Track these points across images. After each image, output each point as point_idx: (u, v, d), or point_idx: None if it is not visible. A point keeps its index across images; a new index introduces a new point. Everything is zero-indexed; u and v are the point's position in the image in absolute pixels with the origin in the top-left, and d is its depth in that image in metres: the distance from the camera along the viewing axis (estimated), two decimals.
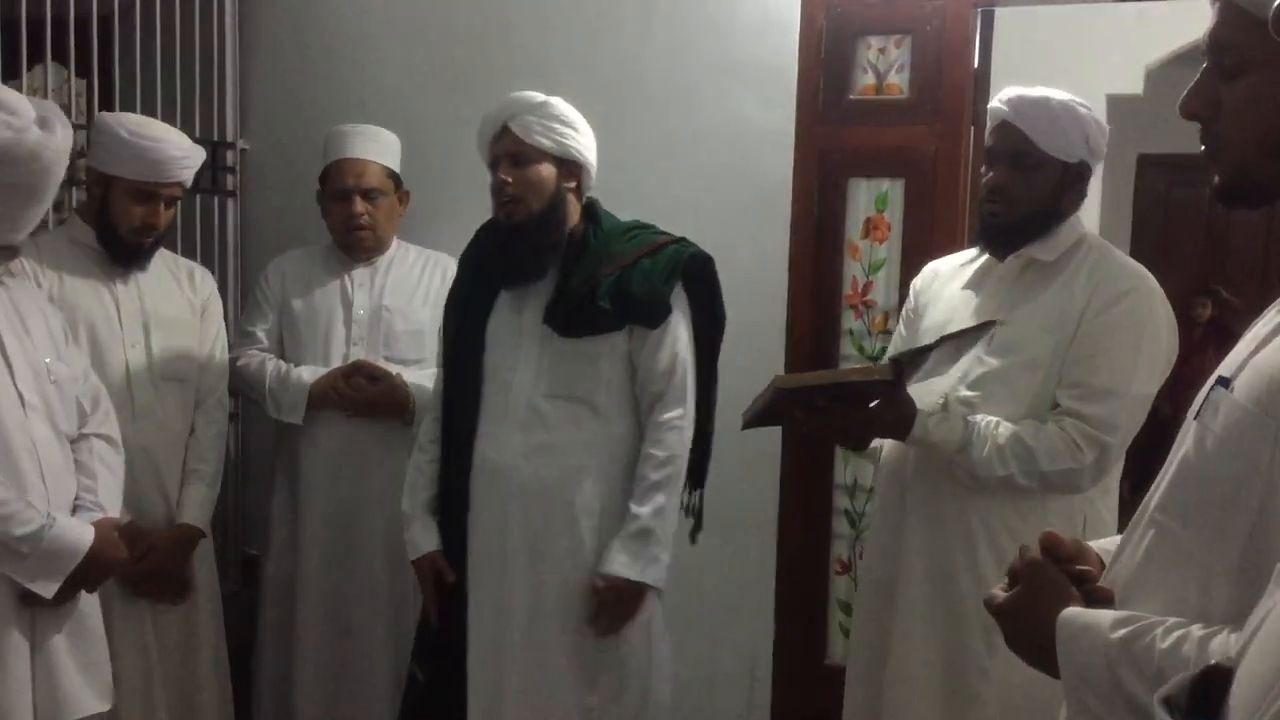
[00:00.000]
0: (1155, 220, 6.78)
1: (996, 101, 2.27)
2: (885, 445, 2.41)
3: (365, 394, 2.96)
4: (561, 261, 2.45)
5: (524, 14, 3.30)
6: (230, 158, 3.53)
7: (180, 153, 2.66)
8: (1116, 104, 3.04)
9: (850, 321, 3.11)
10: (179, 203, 2.77)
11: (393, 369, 2.99)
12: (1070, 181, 2.25)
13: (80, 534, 2.20)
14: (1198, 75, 1.14)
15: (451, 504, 2.51)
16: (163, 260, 2.84)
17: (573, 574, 2.43)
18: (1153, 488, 1.15)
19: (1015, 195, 2.23)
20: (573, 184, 2.47)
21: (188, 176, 2.71)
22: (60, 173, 2.12)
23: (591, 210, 2.51)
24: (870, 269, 3.09)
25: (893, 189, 3.06)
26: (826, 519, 3.16)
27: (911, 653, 2.30)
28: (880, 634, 2.36)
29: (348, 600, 3.01)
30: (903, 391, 2.18)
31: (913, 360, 2.11)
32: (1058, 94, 2.23)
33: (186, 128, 3.14)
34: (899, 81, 3.02)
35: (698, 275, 2.47)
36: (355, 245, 3.06)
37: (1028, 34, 3.04)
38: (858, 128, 3.04)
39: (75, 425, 2.36)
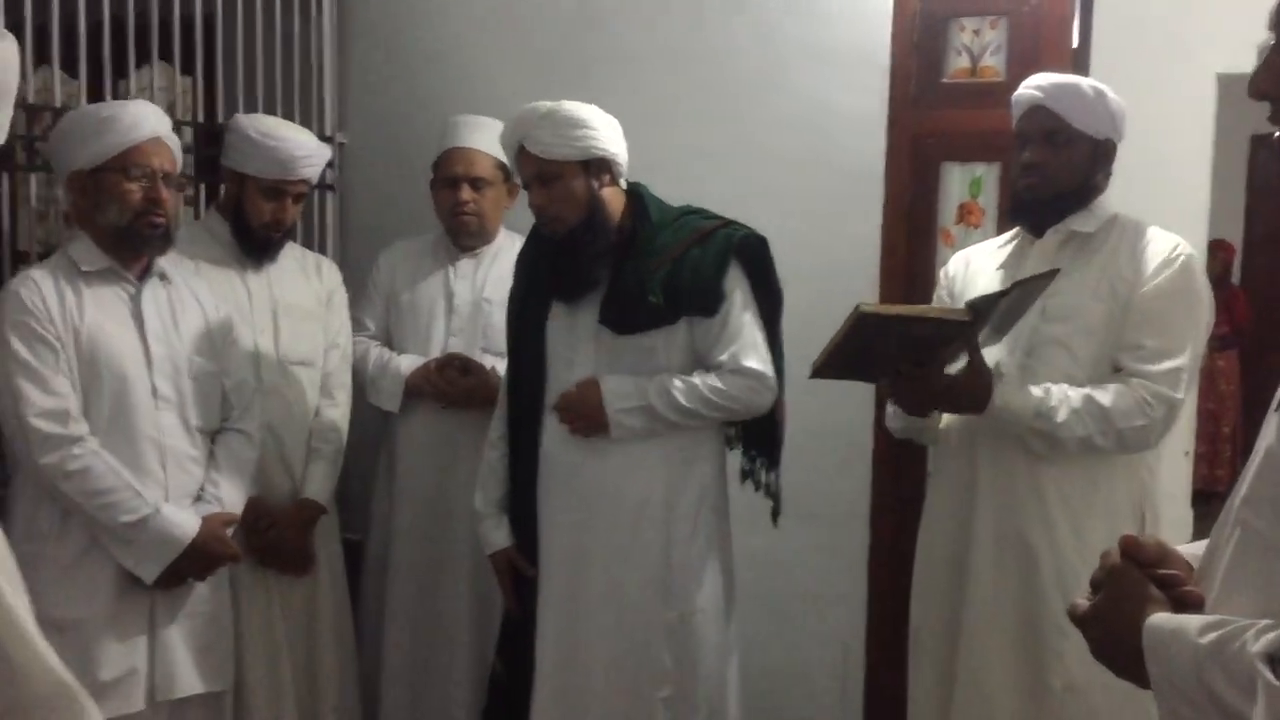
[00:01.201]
0: (1268, 201, 6.53)
1: (1026, 89, 2.39)
2: (947, 419, 2.41)
3: (458, 386, 3.00)
4: (612, 259, 2.44)
5: (615, 3, 3.32)
6: (330, 152, 3.60)
7: (305, 152, 2.78)
8: (1227, 83, 2.92)
9: None
10: (304, 200, 2.89)
11: (488, 361, 3.03)
12: (1100, 157, 2.36)
13: (185, 526, 2.31)
14: (1266, 54, 1.10)
15: (521, 500, 2.53)
16: (291, 252, 2.96)
17: (639, 569, 2.44)
18: (1236, 485, 1.11)
19: (1050, 170, 2.34)
20: (606, 179, 2.44)
21: (313, 174, 2.84)
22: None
23: (637, 200, 2.48)
24: None
25: (987, 174, 3.00)
26: (918, 508, 3.12)
27: (989, 619, 2.32)
28: (952, 608, 2.38)
29: (435, 589, 3.06)
30: (975, 338, 2.19)
31: (987, 305, 2.13)
32: (1084, 79, 2.39)
33: (305, 129, 3.22)
34: (994, 64, 2.97)
35: (752, 257, 2.45)
36: (460, 231, 3.11)
37: (1133, 11, 2.94)
38: (951, 111, 3.00)
39: (215, 419, 2.49)
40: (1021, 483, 2.31)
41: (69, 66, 2.88)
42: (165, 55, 3.17)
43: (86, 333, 2.29)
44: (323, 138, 3.58)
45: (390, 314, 3.16)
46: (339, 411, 2.97)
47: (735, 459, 2.60)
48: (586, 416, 2.41)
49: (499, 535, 2.57)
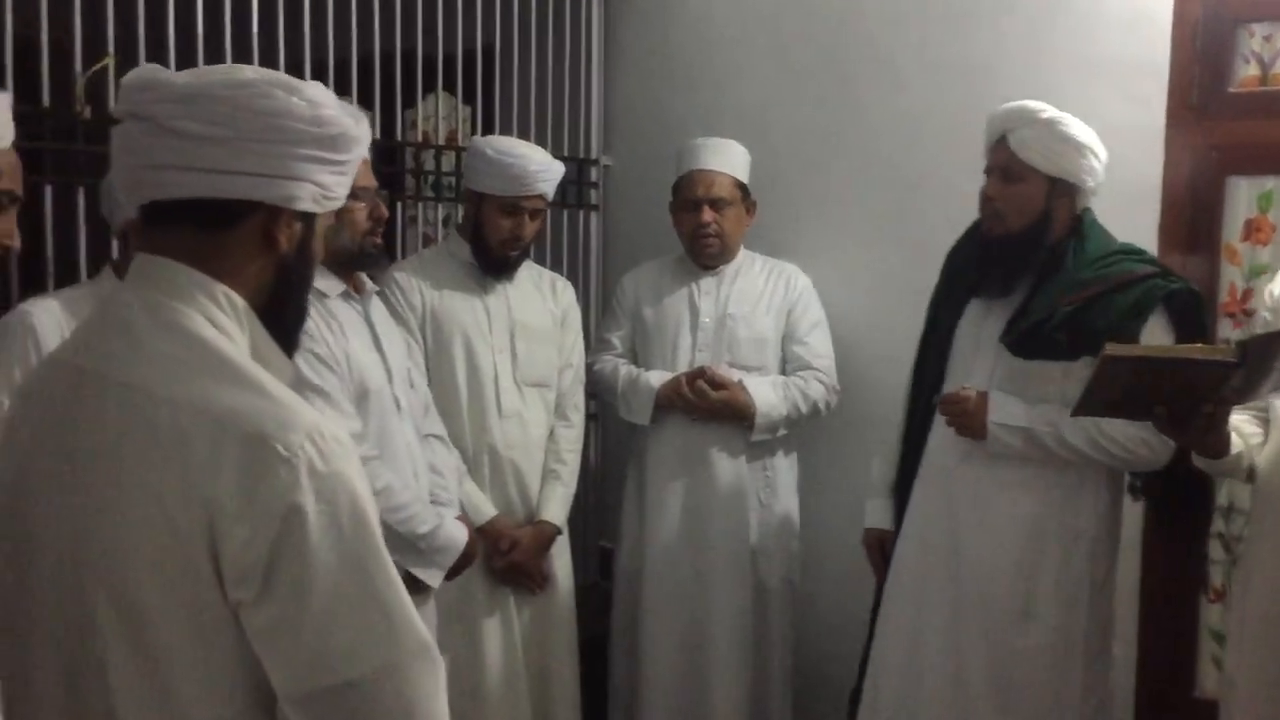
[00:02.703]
0: None
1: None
2: (1263, 460, 2.23)
3: (708, 399, 3.05)
4: (1035, 278, 2.41)
5: (875, 16, 3.30)
6: (594, 174, 3.76)
7: (538, 166, 2.84)
8: None
9: (1227, 330, 2.87)
10: (545, 216, 2.97)
11: (735, 375, 3.08)
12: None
13: (459, 532, 2.44)
14: None
15: (900, 489, 2.62)
16: (528, 272, 3.04)
17: (992, 585, 2.42)
18: None
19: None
20: (1065, 201, 2.41)
21: (548, 189, 2.90)
22: None
23: (1079, 227, 2.43)
24: (1250, 274, 2.85)
25: (1277, 188, 2.81)
26: (1200, 542, 2.94)
27: None
28: None
29: (693, 597, 3.10)
30: (1246, 378, 1.99)
31: (1263, 345, 1.95)
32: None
33: (555, 146, 3.39)
34: None
35: (1182, 311, 2.35)
36: (703, 253, 3.17)
37: None
38: (1238, 122, 2.82)
39: (422, 426, 2.59)
40: None
41: (364, 98, 3.12)
42: (449, 85, 3.39)
43: (348, 354, 2.34)
44: (588, 160, 3.74)
45: (636, 332, 3.25)
46: (574, 433, 3.05)
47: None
48: (967, 416, 2.41)
49: (876, 515, 2.71)
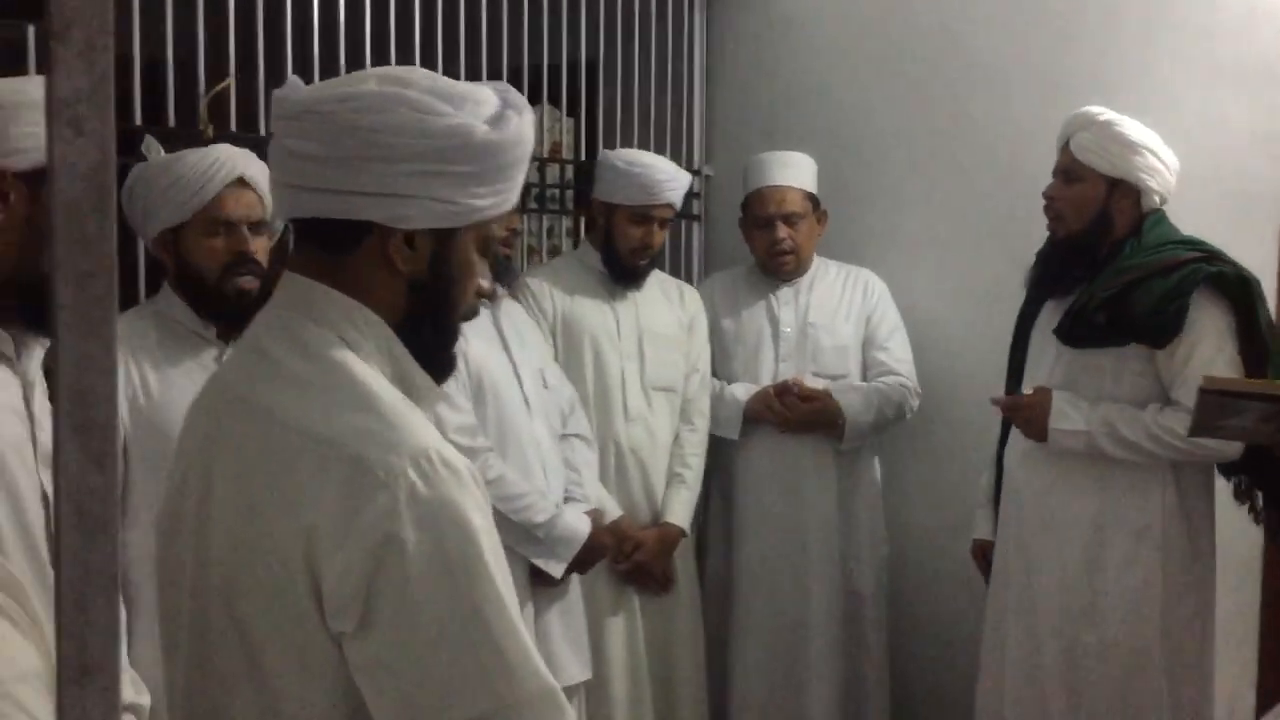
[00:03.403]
0: None
1: None
2: None
3: (798, 411, 3.06)
4: (1093, 274, 2.47)
5: (982, 23, 3.26)
6: (696, 184, 3.77)
7: (666, 176, 2.93)
8: None
9: None
10: (670, 225, 3.04)
11: (819, 384, 3.09)
12: None
13: (581, 523, 2.51)
14: None
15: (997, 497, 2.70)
16: (656, 280, 3.11)
17: (1057, 582, 2.47)
18: None
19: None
20: (1127, 203, 2.46)
21: (675, 198, 2.97)
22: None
23: (1141, 224, 2.47)
24: None
25: None
26: None
27: None
28: None
29: (786, 607, 3.11)
30: None
31: None
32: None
33: (664, 157, 3.41)
34: None
35: (1235, 295, 2.36)
36: (780, 269, 3.19)
37: None
38: None
39: (559, 425, 2.66)
40: None
41: None
42: (553, 98, 3.43)
43: (467, 353, 2.44)
44: (691, 170, 3.75)
45: (715, 344, 3.25)
46: (699, 437, 3.08)
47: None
48: (1030, 422, 2.48)
49: (980, 525, 2.76)
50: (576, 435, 2.72)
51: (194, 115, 2.51)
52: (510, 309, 2.66)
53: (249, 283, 2.10)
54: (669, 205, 2.96)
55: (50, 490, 1.61)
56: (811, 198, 3.18)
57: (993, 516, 2.71)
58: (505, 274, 2.59)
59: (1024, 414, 2.48)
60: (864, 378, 3.19)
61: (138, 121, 2.45)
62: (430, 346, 1.23)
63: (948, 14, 3.32)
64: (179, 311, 2.12)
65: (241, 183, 2.10)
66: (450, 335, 1.25)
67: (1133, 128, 2.44)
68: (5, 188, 1.54)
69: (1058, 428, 2.42)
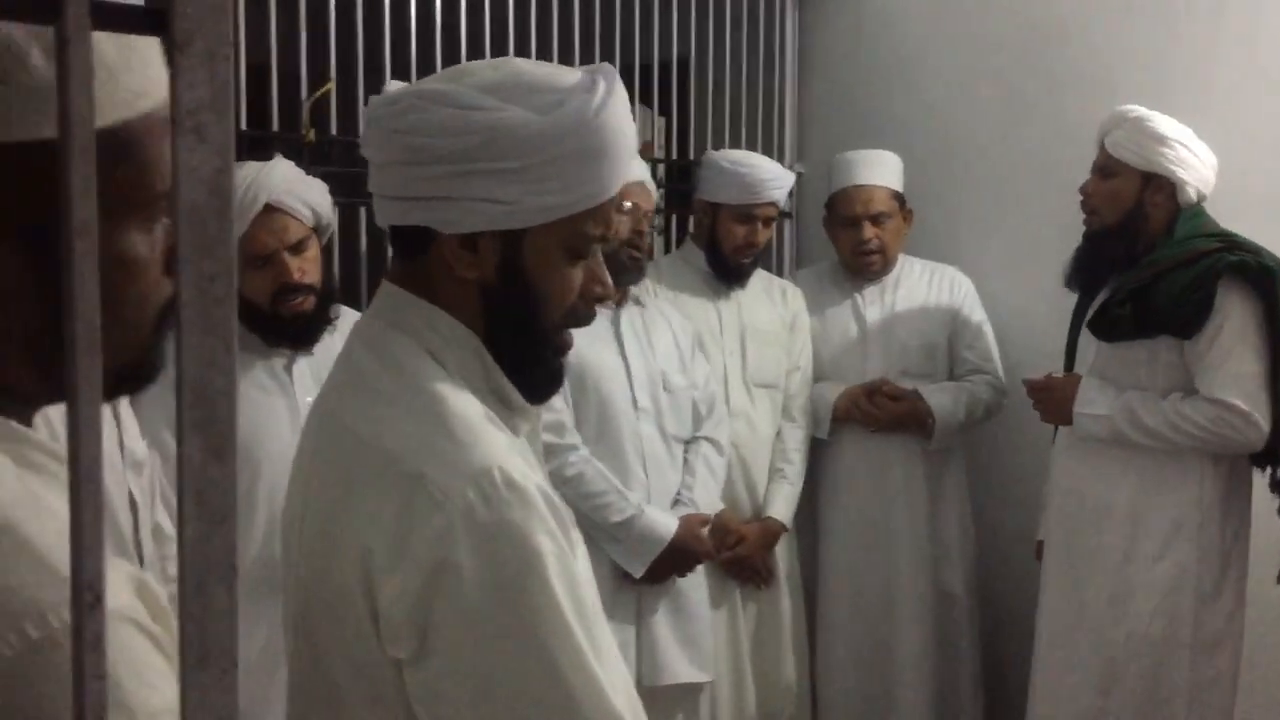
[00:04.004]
0: None
1: None
2: None
3: (888, 411, 3.04)
4: (1126, 268, 2.51)
5: (1081, 18, 3.19)
6: (792, 177, 3.76)
7: (770, 175, 2.96)
8: None
9: None
10: (774, 224, 3.07)
11: (906, 383, 3.07)
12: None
13: (665, 525, 2.52)
14: None
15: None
16: (759, 278, 3.13)
17: (1099, 575, 2.50)
18: None
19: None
20: (1161, 197, 2.48)
21: (779, 197, 3.00)
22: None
23: (1175, 219, 2.49)
24: None
25: None
26: None
27: None
28: None
29: (876, 607, 3.10)
30: None
31: None
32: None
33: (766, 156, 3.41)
34: None
35: (1258, 285, 2.35)
36: (866, 269, 3.17)
37: None
38: None
39: (688, 429, 2.70)
40: None
41: None
42: (644, 97, 3.45)
43: (574, 353, 2.51)
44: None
45: None
46: (802, 433, 3.09)
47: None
48: (1053, 403, 2.55)
49: (1044, 527, 2.76)
50: (706, 438, 2.75)
51: (296, 120, 2.58)
52: (634, 311, 2.70)
53: (301, 304, 2.12)
54: (772, 204, 2.99)
55: (137, 494, 1.67)
56: (898, 196, 3.17)
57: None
58: (627, 275, 2.60)
59: (1049, 396, 2.56)
60: (950, 376, 3.17)
61: (243, 127, 2.52)
62: (521, 357, 1.15)
63: (1040, 11, 3.26)
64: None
65: (269, 209, 2.09)
66: (541, 345, 1.16)
67: (1164, 123, 2.49)
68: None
69: (1082, 412, 2.49)
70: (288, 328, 2.12)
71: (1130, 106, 2.55)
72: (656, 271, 3.04)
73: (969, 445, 3.27)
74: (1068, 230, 3.19)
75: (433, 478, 1.01)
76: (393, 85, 1.17)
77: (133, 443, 1.72)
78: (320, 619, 1.09)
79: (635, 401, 2.58)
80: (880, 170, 3.15)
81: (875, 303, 3.20)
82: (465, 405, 1.08)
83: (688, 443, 2.72)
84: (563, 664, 1.00)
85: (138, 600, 0.70)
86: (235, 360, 0.43)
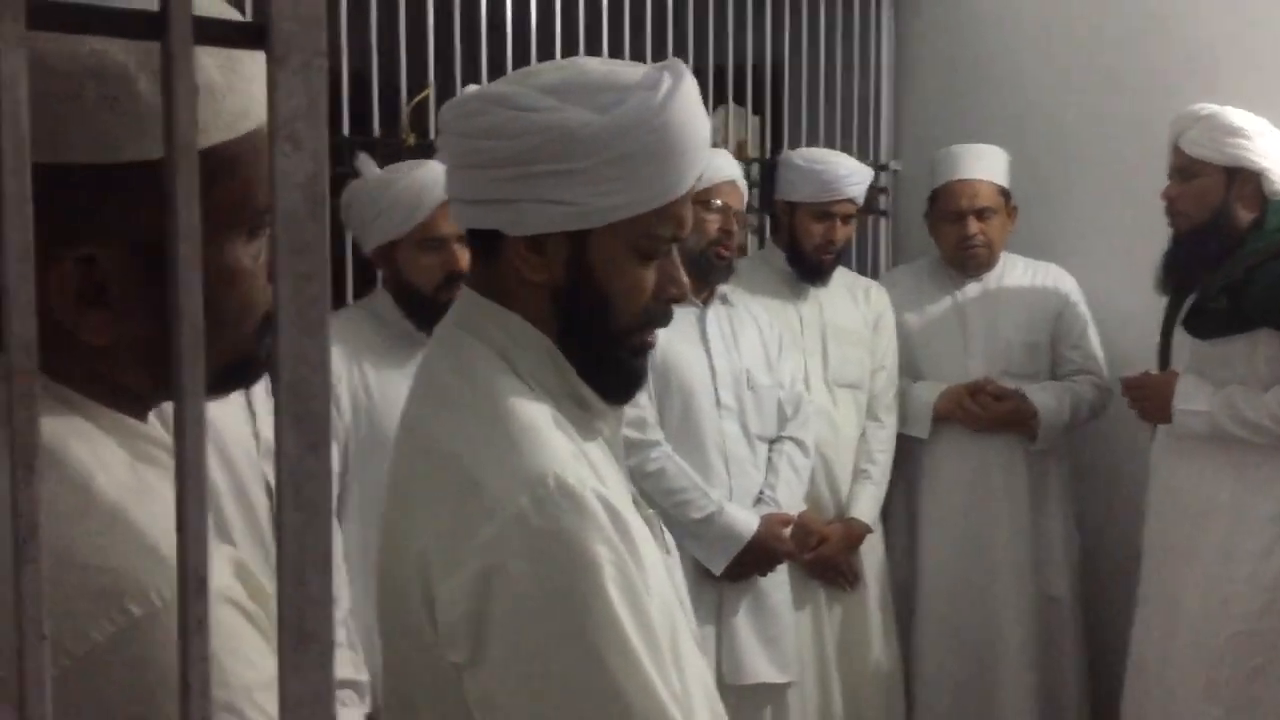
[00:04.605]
0: None
1: None
2: None
3: (991, 411, 2.99)
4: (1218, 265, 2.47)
5: (1185, 9, 3.11)
6: (884, 179, 3.72)
7: (847, 171, 2.92)
8: None
9: None
10: (854, 221, 3.03)
11: (1009, 383, 3.01)
12: None
13: (746, 523, 2.52)
14: None
15: None
16: (842, 277, 3.10)
17: (1198, 571, 2.44)
18: None
19: None
20: (1248, 189, 2.45)
21: (856, 193, 2.95)
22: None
23: (1263, 211, 2.45)
24: None
25: None
26: None
27: None
28: None
29: (974, 609, 3.05)
30: None
31: None
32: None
33: (844, 154, 3.38)
34: None
35: None
36: (969, 264, 3.11)
37: None
38: None
39: (772, 428, 2.69)
40: None
41: None
42: (739, 97, 3.45)
43: (659, 350, 2.48)
44: (878, 166, 3.70)
45: (898, 340, 3.19)
46: (885, 434, 3.05)
47: None
48: (1151, 401, 2.53)
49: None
50: (790, 438, 2.74)
51: (396, 124, 2.63)
52: (720, 309, 2.71)
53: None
54: (850, 201, 2.95)
55: (272, 479, 1.74)
56: (1003, 191, 3.11)
57: None
58: (714, 274, 2.62)
59: (1148, 394, 2.54)
60: (1053, 376, 3.11)
61: (345, 132, 2.59)
62: (595, 359, 1.13)
63: (1136, 2, 3.18)
64: (393, 313, 2.23)
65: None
66: (614, 346, 1.14)
67: (1239, 116, 2.46)
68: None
69: (1182, 408, 2.45)
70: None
71: (1200, 105, 2.53)
72: (736, 273, 2.99)
73: (1072, 447, 3.20)
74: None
75: (489, 483, 1.01)
76: (468, 89, 1.18)
77: (267, 431, 1.80)
78: (392, 624, 1.11)
79: (719, 399, 2.58)
80: (985, 164, 3.10)
81: (977, 300, 3.14)
82: (531, 410, 1.07)
83: (772, 442, 2.71)
84: (616, 671, 0.99)
85: (236, 581, 0.74)
86: (329, 357, 0.45)
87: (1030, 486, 3.07)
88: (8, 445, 0.41)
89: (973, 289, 3.16)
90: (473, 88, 1.19)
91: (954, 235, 3.10)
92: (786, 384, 2.77)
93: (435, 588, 1.02)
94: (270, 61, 0.43)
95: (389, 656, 1.15)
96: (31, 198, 0.41)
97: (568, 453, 1.05)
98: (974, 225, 3.06)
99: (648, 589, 1.04)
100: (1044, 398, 3.00)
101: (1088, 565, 3.20)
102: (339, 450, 2.12)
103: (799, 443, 2.74)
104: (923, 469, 3.14)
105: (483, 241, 1.13)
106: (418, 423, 1.14)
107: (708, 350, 2.61)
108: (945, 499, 3.09)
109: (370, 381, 2.16)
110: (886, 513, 3.23)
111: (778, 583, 2.64)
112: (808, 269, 2.99)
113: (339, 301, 2.50)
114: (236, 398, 1.76)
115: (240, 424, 1.78)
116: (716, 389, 2.58)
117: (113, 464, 0.73)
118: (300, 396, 0.44)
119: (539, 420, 1.07)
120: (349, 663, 1.94)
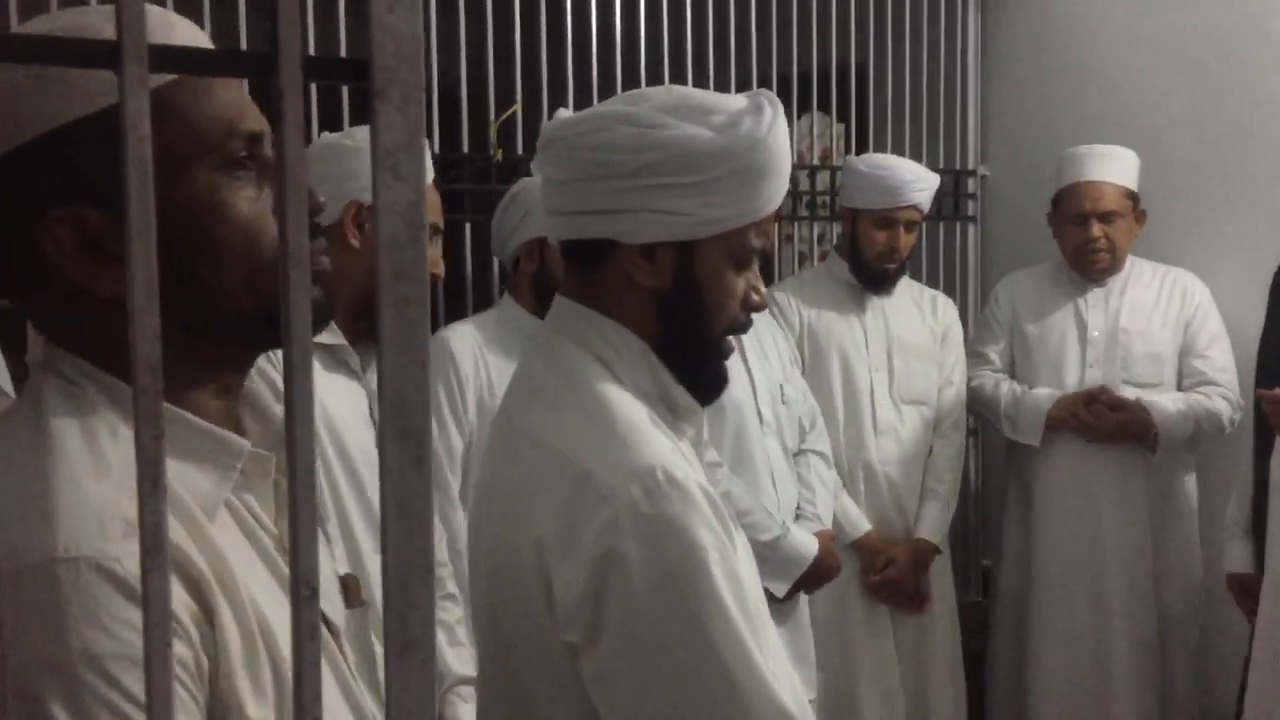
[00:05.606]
0: None
1: None
2: None
3: (1107, 422, 2.91)
4: None
5: (1270, 2, 3.02)
6: (971, 185, 3.68)
7: (911, 177, 2.84)
8: None
9: None
10: (920, 229, 2.97)
11: (1129, 392, 2.93)
12: None
13: (808, 545, 2.47)
14: None
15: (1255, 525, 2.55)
16: (908, 289, 3.04)
17: None
18: None
19: None
20: None
21: (921, 200, 2.87)
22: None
23: None
24: None
25: None
26: None
27: None
28: None
29: (1088, 621, 2.98)
30: None
31: None
32: None
33: (930, 159, 3.35)
34: None
35: None
36: (1091, 268, 3.02)
37: None
38: None
39: (796, 441, 2.64)
40: None
41: None
42: (823, 104, 3.44)
43: None
44: (965, 172, 3.67)
45: (1015, 346, 3.14)
46: (953, 450, 3.00)
47: None
48: None
49: (1236, 556, 2.63)
50: (814, 451, 2.66)
51: (485, 141, 2.68)
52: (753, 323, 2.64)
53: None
54: (914, 207, 2.86)
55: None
56: (1131, 195, 2.99)
57: (1250, 545, 2.51)
58: None
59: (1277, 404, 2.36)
60: (1180, 387, 2.99)
61: (435, 150, 2.64)
62: (689, 362, 1.23)
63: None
64: (522, 320, 2.35)
65: None
66: (708, 349, 1.24)
67: None
68: (362, 219, 1.77)
69: None
70: None
71: None
72: (799, 284, 2.99)
73: (1200, 460, 3.07)
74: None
75: (600, 475, 1.09)
76: (563, 113, 1.27)
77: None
78: (505, 613, 1.17)
79: (760, 415, 2.49)
80: (1112, 165, 2.98)
81: (1099, 306, 3.05)
82: (631, 409, 1.16)
83: (796, 455, 2.62)
84: (724, 648, 1.07)
85: (126, 541, 0.77)
86: (429, 375, 0.47)
87: (1150, 499, 2.97)
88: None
89: (1095, 295, 3.06)
90: (565, 111, 1.27)
91: (1076, 238, 3.00)
92: (800, 396, 2.68)
93: (554, 571, 1.09)
94: (372, 96, 0.46)
95: (494, 640, 1.21)
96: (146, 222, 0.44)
97: (668, 448, 1.14)
98: (1096, 228, 2.96)
99: (745, 576, 1.13)
100: (1165, 409, 2.89)
101: (1211, 585, 3.04)
102: (463, 445, 2.26)
103: (823, 455, 2.67)
104: (1034, 477, 3.07)
105: (585, 251, 1.22)
106: (518, 416, 1.21)
107: (746, 365, 2.50)
108: (1058, 508, 3.02)
109: (495, 382, 2.27)
110: (1001, 523, 3.19)
111: (801, 599, 2.55)
112: (870, 278, 2.92)
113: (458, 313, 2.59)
114: (360, 408, 1.88)
115: (363, 433, 1.89)
116: (758, 404, 2.49)
117: (84, 436, 0.79)
118: (402, 413, 0.47)
119: (639, 418, 1.15)
120: (453, 658, 2.02)
